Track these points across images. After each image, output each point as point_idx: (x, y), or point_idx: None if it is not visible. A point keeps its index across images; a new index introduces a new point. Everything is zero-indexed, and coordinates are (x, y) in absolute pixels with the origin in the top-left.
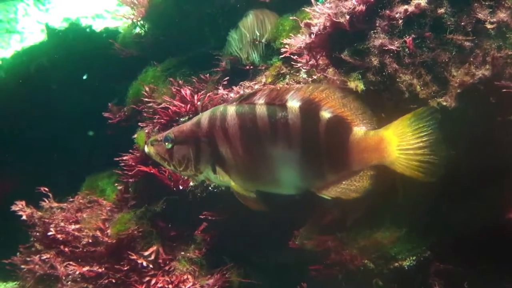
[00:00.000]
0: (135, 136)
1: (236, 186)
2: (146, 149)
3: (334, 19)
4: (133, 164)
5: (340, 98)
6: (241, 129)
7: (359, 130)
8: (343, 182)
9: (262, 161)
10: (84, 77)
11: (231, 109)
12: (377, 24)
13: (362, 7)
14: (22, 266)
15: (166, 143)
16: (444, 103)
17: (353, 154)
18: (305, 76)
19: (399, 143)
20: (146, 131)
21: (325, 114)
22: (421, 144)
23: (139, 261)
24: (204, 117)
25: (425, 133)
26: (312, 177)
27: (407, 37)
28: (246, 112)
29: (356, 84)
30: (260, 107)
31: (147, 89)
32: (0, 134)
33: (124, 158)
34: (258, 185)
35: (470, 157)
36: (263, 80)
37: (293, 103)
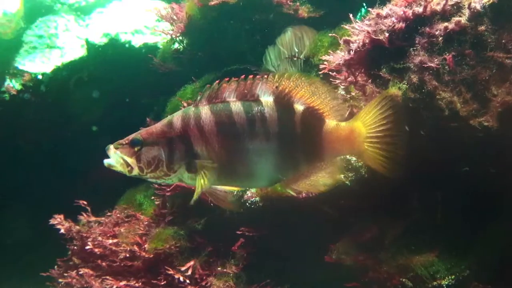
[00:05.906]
0: None
1: (206, 184)
2: (109, 153)
3: (373, 36)
4: None
5: (308, 85)
6: (218, 126)
7: (331, 121)
8: (313, 176)
9: (239, 156)
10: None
11: (205, 108)
12: (416, 41)
13: (401, 25)
14: (60, 280)
15: (134, 146)
16: (486, 123)
17: (325, 145)
18: (343, 92)
19: (367, 134)
20: None
21: (299, 107)
22: (387, 138)
23: (176, 276)
24: (176, 117)
25: (390, 124)
26: (287, 168)
27: (447, 54)
28: (221, 110)
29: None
30: (235, 104)
31: (185, 104)
32: (39, 147)
33: None
34: (232, 181)
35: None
36: None
37: (266, 98)
